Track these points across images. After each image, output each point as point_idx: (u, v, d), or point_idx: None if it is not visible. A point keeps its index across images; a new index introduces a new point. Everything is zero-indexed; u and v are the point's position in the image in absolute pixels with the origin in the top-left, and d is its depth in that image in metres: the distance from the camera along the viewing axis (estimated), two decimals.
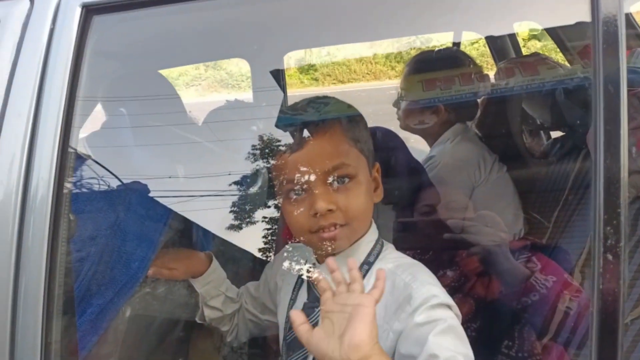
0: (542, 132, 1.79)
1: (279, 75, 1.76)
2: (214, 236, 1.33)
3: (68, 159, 0.79)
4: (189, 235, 1.17)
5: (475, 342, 0.97)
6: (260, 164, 1.35)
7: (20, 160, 0.79)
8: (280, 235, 1.34)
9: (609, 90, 0.64)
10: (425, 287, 0.84)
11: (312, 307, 0.94)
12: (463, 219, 1.32)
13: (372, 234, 0.97)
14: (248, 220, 1.36)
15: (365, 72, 5.71)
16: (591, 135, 1.20)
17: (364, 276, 0.90)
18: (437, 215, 1.37)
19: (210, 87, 5.49)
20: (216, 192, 1.35)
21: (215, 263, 1.14)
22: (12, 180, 0.78)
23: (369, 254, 0.95)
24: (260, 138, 1.36)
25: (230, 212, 1.35)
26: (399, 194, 1.40)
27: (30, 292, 0.74)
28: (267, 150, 1.36)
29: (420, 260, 1.32)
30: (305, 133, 0.95)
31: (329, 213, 0.90)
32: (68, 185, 0.79)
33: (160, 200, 1.16)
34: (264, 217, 1.36)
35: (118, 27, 0.91)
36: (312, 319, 0.92)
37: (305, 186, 0.92)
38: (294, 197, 0.93)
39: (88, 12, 0.84)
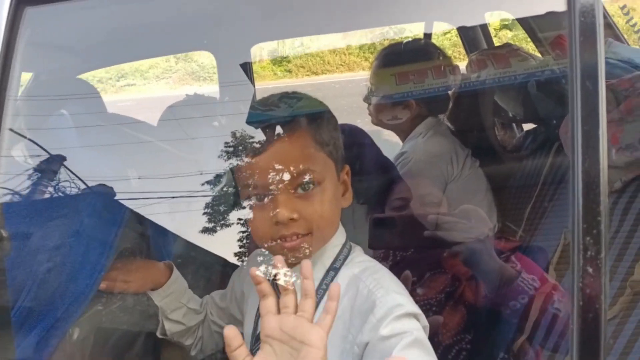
0: (514, 125, 1.75)
1: (246, 68, 1.68)
2: (181, 242, 1.26)
3: None
4: (147, 243, 1.09)
5: (471, 357, 0.91)
6: (234, 162, 1.28)
7: None
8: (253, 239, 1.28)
9: (587, 85, 0.59)
10: (390, 295, 0.79)
11: None
12: (438, 214, 1.26)
13: (339, 238, 0.91)
14: (222, 222, 1.29)
15: (338, 63, 5.65)
16: (564, 128, 1.16)
17: (329, 283, 0.85)
18: (410, 210, 1.31)
19: (181, 79, 5.36)
20: (185, 193, 1.28)
21: (175, 273, 1.08)
22: None
23: (335, 259, 0.89)
24: (233, 135, 1.30)
25: (204, 214, 1.28)
26: (373, 192, 1.35)
27: None
28: (240, 148, 1.29)
29: (399, 260, 1.25)
30: (269, 135, 0.88)
31: (291, 222, 0.83)
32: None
33: (125, 203, 1.08)
34: (239, 219, 1.29)
35: (57, 20, 0.83)
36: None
37: (267, 192, 0.85)
38: (256, 202, 0.87)
39: (19, 3, 0.75)
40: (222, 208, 1.26)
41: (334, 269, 0.88)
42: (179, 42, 1.46)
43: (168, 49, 1.65)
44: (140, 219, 1.11)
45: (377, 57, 1.60)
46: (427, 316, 0.85)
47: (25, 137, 1.18)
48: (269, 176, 0.85)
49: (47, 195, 1.10)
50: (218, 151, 1.27)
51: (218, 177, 1.26)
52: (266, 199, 0.85)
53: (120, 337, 1.01)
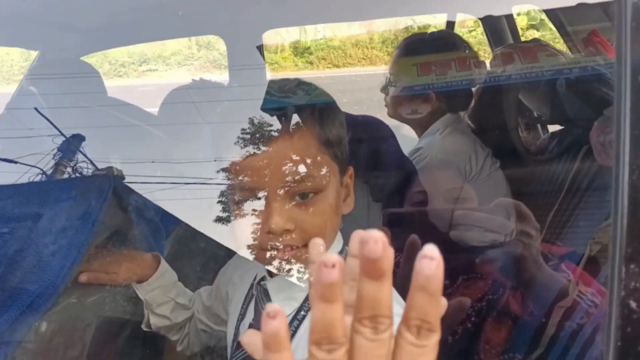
0: (539, 125, 1.64)
1: (259, 55, 1.60)
2: (188, 230, 1.18)
3: None
4: (134, 231, 1.02)
5: None
6: (250, 150, 1.20)
7: None
8: None
9: (639, 82, 0.49)
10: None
11: (258, 329, 0.79)
12: (465, 210, 1.12)
13: (337, 246, 0.82)
14: (236, 212, 1.22)
15: (360, 56, 5.55)
16: (595, 131, 1.06)
17: None
18: (433, 205, 1.20)
19: (203, 67, 5.32)
20: (199, 179, 1.21)
21: (163, 266, 1.00)
22: None
23: None
24: (251, 121, 1.22)
25: (218, 202, 1.21)
26: (391, 190, 1.24)
27: None
28: (257, 135, 1.21)
29: None
30: (285, 125, 0.78)
31: (285, 233, 0.74)
32: None
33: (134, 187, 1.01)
34: (254, 211, 1.22)
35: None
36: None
37: (262, 196, 0.75)
38: (245, 205, 0.78)
39: None
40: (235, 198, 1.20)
41: None
42: (188, 25, 1.38)
43: (176, 32, 1.58)
44: (137, 204, 1.04)
45: (399, 46, 1.51)
46: (465, 329, 0.75)
47: (45, 117, 1.13)
48: (265, 178, 0.75)
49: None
50: (226, 137, 1.19)
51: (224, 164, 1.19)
52: (258, 204, 0.76)
53: (96, 333, 0.93)
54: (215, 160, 1.27)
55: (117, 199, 0.96)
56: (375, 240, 0.33)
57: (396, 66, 1.47)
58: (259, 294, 0.84)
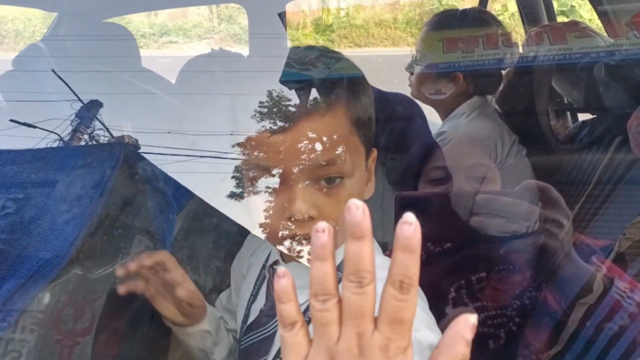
0: (568, 113, 1.57)
1: (281, 24, 1.54)
2: (196, 205, 1.14)
3: None
4: (146, 203, 0.98)
5: None
6: (266, 125, 1.16)
7: None
8: None
9: None
10: (420, 332, 0.64)
11: (269, 315, 0.77)
12: (487, 193, 1.03)
13: None
14: (250, 189, 1.18)
15: (383, 37, 5.46)
16: (634, 121, 0.99)
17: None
18: (451, 186, 1.13)
19: (223, 40, 5.27)
20: (215, 153, 1.17)
21: (210, 309, 0.93)
22: None
23: None
24: (270, 94, 1.18)
25: (232, 177, 1.17)
26: (412, 174, 1.19)
27: None
28: (274, 110, 1.17)
29: (448, 250, 1.05)
30: (303, 100, 0.72)
31: (308, 220, 0.68)
32: None
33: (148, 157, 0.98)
34: (272, 190, 1.18)
35: None
36: (267, 330, 0.75)
37: (284, 178, 0.70)
38: (266, 187, 0.73)
39: None
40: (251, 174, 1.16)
41: None
42: None
43: (198, 0, 1.53)
44: (148, 175, 1.00)
45: (428, 22, 1.45)
46: (498, 335, 0.69)
47: (64, 82, 1.09)
48: (291, 159, 0.69)
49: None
50: (248, 111, 1.15)
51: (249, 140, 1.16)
52: (281, 186, 0.70)
53: (105, 307, 0.90)
54: (231, 134, 1.23)
55: (129, 169, 0.92)
56: (357, 206, 0.39)
57: (422, 42, 1.41)
58: (271, 278, 0.80)
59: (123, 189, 0.90)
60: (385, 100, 1.25)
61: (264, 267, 0.84)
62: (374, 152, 0.78)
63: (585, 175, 1.23)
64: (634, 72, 0.99)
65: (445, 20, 1.36)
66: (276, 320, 0.70)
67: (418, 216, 0.95)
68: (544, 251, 0.82)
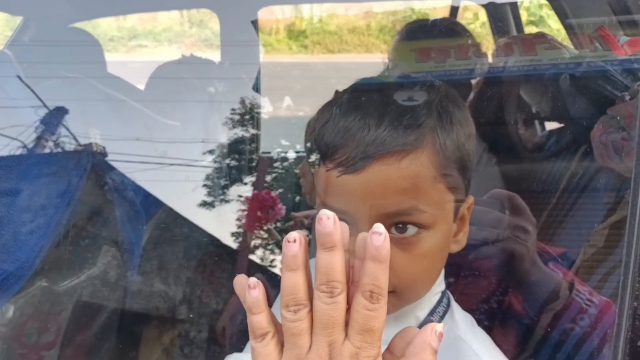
0: (536, 122, 1.61)
1: (253, 32, 1.56)
2: (170, 214, 1.14)
3: None
4: (113, 213, 0.97)
5: None
6: (238, 132, 1.17)
7: None
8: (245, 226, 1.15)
9: None
10: None
11: None
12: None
13: (439, 285, 0.71)
14: (221, 198, 1.18)
15: (357, 43, 5.50)
16: (596, 131, 1.03)
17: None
18: None
19: (194, 45, 5.23)
20: (185, 161, 1.16)
21: None
22: None
23: (433, 310, 0.69)
24: (242, 101, 1.18)
25: (203, 186, 1.16)
26: None
27: None
28: (247, 117, 1.18)
29: None
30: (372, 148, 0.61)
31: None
32: None
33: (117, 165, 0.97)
34: (239, 197, 1.18)
35: None
36: None
37: (351, 219, 0.62)
38: None
39: None
40: (221, 182, 1.16)
41: (430, 322, 0.66)
42: None
43: (168, 4, 1.53)
44: (117, 183, 1.00)
45: (400, 31, 1.48)
46: None
47: (29, 88, 1.08)
48: (358, 206, 0.62)
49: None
50: (215, 117, 1.15)
51: (220, 146, 1.16)
52: (350, 226, 0.64)
53: (71, 319, 0.89)
54: (202, 142, 1.23)
55: (97, 177, 0.91)
56: (328, 217, 0.40)
57: (395, 51, 1.44)
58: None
59: (90, 198, 0.89)
60: None
61: None
62: (470, 200, 0.70)
63: (552, 184, 1.27)
64: (597, 84, 1.03)
65: (418, 30, 1.39)
66: None
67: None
68: (510, 257, 0.84)
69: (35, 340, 0.91)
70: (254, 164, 1.25)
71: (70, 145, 1.03)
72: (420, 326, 0.62)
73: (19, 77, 1.16)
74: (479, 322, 0.86)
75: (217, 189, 1.19)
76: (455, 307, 0.73)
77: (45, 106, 1.10)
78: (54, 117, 1.06)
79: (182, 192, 1.14)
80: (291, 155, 1.32)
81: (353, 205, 0.62)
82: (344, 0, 1.69)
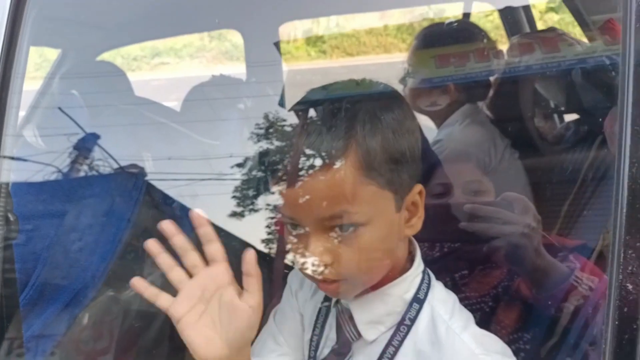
0: (555, 115, 1.68)
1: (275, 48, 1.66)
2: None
3: (2, 150, 0.71)
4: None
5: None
6: (263, 145, 1.25)
7: None
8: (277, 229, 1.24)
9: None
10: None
11: (340, 354, 0.79)
12: (474, 204, 1.17)
13: (418, 267, 0.78)
14: (250, 207, 1.27)
15: (375, 44, 5.55)
16: (609, 122, 1.10)
17: (415, 317, 0.75)
18: (451, 198, 1.25)
19: (215, 58, 5.37)
20: (215, 175, 1.26)
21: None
22: None
23: (418, 289, 0.76)
24: (265, 116, 1.27)
25: (233, 197, 1.25)
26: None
27: None
28: (271, 130, 1.26)
29: (447, 252, 1.16)
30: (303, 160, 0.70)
31: (324, 267, 0.71)
32: (6, 178, 0.71)
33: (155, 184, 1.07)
34: (267, 205, 1.26)
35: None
36: None
37: (300, 223, 0.72)
38: (290, 229, 0.75)
39: None
40: (250, 192, 1.24)
41: (417, 300, 0.76)
42: (205, 20, 1.44)
43: (194, 27, 1.64)
44: (165, 201, 1.10)
45: (417, 37, 1.55)
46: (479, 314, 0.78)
47: (69, 117, 1.18)
48: (300, 212, 0.71)
49: (73, 175, 1.10)
50: (247, 133, 1.24)
51: (247, 160, 1.24)
52: (301, 230, 0.72)
53: (133, 325, 1.00)
54: (231, 156, 1.33)
55: (149, 196, 1.02)
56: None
57: (414, 58, 1.52)
58: (341, 313, 0.81)
59: (143, 216, 1.00)
60: None
61: (326, 298, 0.85)
62: (417, 188, 0.75)
63: (572, 174, 1.33)
64: (607, 75, 1.09)
65: (435, 36, 1.47)
66: (347, 358, 0.77)
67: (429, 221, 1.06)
68: (518, 249, 0.95)
69: (91, 347, 1.01)
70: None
71: (104, 168, 1.13)
72: (409, 307, 0.75)
73: (60, 108, 1.27)
74: (495, 300, 0.97)
75: (251, 199, 1.28)
76: (436, 285, 0.79)
77: (85, 133, 1.21)
78: (87, 142, 1.17)
79: (220, 204, 1.23)
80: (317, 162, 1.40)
81: (297, 214, 0.72)
82: (362, 10, 1.77)
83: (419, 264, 0.79)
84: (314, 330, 0.84)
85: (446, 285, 0.90)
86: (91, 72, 1.53)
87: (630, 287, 0.53)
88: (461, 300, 0.91)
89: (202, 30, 2.00)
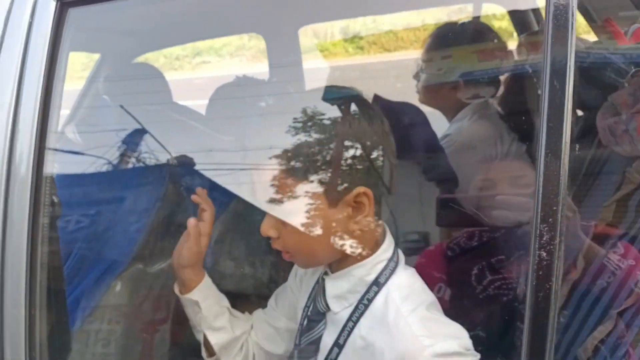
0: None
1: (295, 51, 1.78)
2: (231, 215, 1.34)
3: (47, 144, 0.86)
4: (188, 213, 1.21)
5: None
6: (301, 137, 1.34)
7: (3, 148, 0.87)
8: None
9: (554, 84, 0.63)
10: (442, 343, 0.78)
11: (314, 320, 0.93)
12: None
13: (386, 253, 0.89)
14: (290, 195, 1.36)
15: (412, 39, 5.55)
16: (600, 117, 1.16)
17: (372, 298, 0.86)
18: (496, 191, 1.30)
19: (254, 57, 5.51)
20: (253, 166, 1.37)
21: (207, 277, 1.05)
22: None
23: (379, 275, 0.88)
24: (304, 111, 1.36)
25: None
26: (442, 171, 1.41)
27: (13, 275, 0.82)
28: (309, 124, 1.35)
29: (486, 241, 1.26)
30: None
31: (272, 238, 0.90)
32: (51, 168, 0.86)
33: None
34: (306, 193, 1.36)
35: (101, 16, 0.96)
36: (314, 333, 0.92)
37: None
38: None
39: (63, 5, 0.89)
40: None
41: (377, 284, 0.87)
42: (229, 25, 1.57)
43: (217, 32, 1.77)
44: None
45: (434, 36, 1.63)
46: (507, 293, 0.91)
47: (132, 115, 1.33)
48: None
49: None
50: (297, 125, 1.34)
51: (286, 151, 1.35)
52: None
53: (158, 295, 1.15)
54: (270, 148, 1.44)
55: (179, 183, 1.17)
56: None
57: (454, 54, 1.58)
58: (319, 288, 0.95)
59: (171, 198, 1.15)
60: (392, 109, 1.45)
61: (319, 277, 0.97)
62: (356, 191, 0.85)
63: (576, 168, 1.39)
64: (600, 72, 1.16)
65: (476, 33, 1.56)
66: (321, 325, 0.91)
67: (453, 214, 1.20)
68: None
69: (151, 317, 1.17)
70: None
71: (150, 160, 1.27)
72: (369, 288, 0.86)
73: (121, 106, 1.40)
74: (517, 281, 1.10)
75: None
76: (402, 272, 0.89)
77: (145, 130, 1.33)
78: (134, 138, 1.32)
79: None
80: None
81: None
82: (381, 11, 1.86)
83: (382, 252, 0.89)
84: (306, 302, 0.98)
85: (483, 269, 1.01)
86: (128, 75, 1.68)
87: (544, 254, 0.63)
88: (495, 280, 1.01)
89: (227, 34, 2.13)
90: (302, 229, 0.86)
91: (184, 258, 1.00)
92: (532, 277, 0.63)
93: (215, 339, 1.01)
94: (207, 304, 1.01)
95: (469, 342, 0.79)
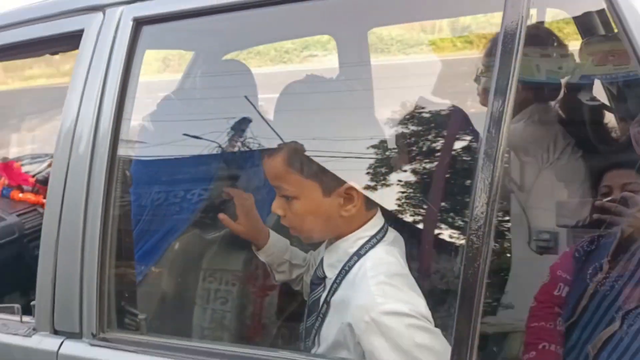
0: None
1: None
2: None
3: (122, 132, 1.12)
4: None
5: None
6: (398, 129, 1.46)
7: (89, 134, 1.12)
8: None
9: (498, 96, 0.73)
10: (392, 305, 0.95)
11: (316, 284, 1.15)
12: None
13: (368, 231, 1.08)
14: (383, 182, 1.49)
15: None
16: (635, 124, 1.19)
17: (352, 265, 1.06)
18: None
19: None
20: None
21: (273, 237, 1.33)
22: (86, 149, 1.12)
23: (360, 249, 1.07)
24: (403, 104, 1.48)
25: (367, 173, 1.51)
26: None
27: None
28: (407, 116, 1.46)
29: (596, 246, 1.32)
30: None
31: (282, 217, 1.12)
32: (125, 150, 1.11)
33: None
34: (399, 181, 1.48)
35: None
36: (315, 295, 1.13)
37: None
38: None
39: (138, 24, 1.12)
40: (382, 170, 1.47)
41: (357, 255, 1.06)
42: (300, 27, 1.73)
43: (289, 35, 1.93)
44: None
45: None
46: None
47: (254, 107, 1.55)
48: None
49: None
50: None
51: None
52: None
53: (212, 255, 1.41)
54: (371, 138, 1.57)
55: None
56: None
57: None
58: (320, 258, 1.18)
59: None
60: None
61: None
62: (345, 186, 1.07)
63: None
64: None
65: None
66: (320, 288, 1.12)
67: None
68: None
69: (262, 283, 1.44)
70: None
71: (253, 145, 1.48)
72: (350, 258, 1.05)
73: (245, 97, 1.61)
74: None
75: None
76: (380, 247, 1.06)
77: (269, 125, 1.51)
78: (241, 125, 1.54)
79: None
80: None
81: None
82: (450, 14, 1.93)
83: (363, 231, 1.08)
84: (317, 267, 1.18)
85: (595, 268, 1.19)
86: (220, 70, 1.89)
87: (474, 238, 0.75)
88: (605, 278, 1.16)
89: (299, 36, 2.29)
90: (304, 211, 1.10)
91: (242, 234, 1.32)
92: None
93: (277, 277, 1.34)
94: (271, 259, 1.32)
95: (424, 311, 0.95)
